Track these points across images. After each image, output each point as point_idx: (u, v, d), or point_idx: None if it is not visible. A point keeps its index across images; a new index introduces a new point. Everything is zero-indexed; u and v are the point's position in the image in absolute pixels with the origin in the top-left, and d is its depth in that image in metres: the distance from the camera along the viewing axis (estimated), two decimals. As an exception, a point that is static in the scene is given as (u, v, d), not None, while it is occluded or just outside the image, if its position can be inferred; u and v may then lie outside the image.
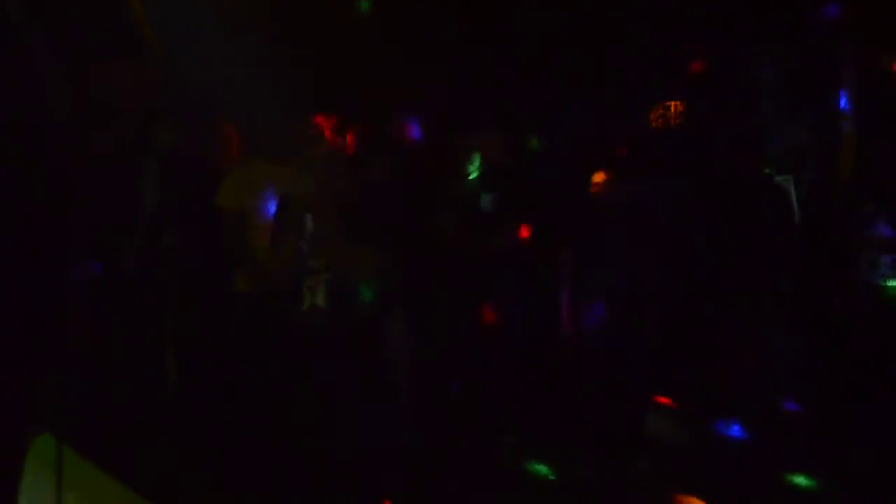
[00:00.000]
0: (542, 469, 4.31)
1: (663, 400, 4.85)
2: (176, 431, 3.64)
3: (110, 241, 4.13)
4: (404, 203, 4.54)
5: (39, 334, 3.38)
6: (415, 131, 5.23)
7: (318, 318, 4.57)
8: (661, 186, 4.83)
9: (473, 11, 5.54)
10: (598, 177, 4.33)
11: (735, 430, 4.61)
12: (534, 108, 5.45)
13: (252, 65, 4.79)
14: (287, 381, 4.19)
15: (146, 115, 4.06)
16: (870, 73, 5.23)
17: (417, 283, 4.50)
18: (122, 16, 1.54)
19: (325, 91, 5.19)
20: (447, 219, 4.61)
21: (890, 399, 4.25)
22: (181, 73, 4.31)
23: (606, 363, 4.22)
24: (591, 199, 4.41)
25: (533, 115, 5.41)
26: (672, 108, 5.86)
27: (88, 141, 1.70)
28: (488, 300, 4.55)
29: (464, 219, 4.64)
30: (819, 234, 4.91)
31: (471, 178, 4.76)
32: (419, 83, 5.20)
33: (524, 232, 4.57)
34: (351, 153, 5.08)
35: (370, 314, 4.46)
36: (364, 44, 5.30)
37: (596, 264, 4.31)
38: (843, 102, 5.25)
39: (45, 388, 3.49)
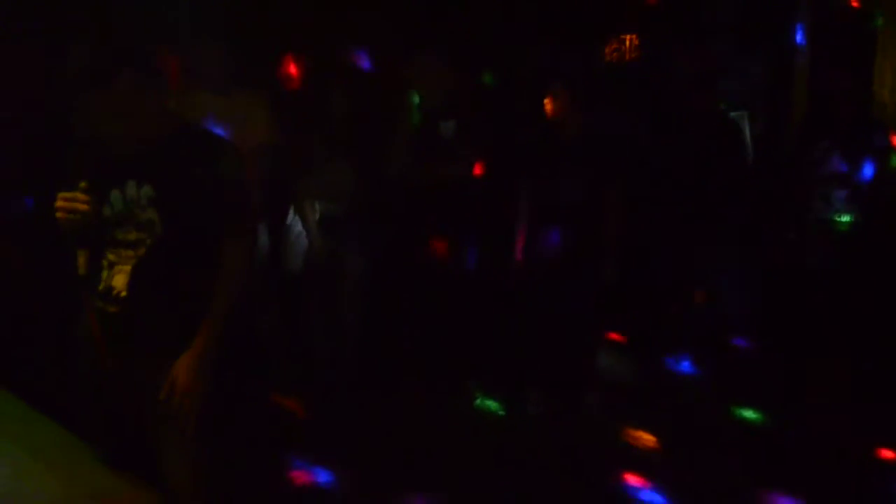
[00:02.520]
0: (491, 405, 4.30)
1: (613, 335, 4.85)
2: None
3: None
4: (357, 135, 4.42)
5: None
6: (364, 62, 5.09)
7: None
8: (614, 120, 4.77)
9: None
10: (552, 110, 4.24)
11: (685, 365, 4.63)
12: (487, 40, 5.31)
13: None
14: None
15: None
16: (825, 7, 5.17)
17: (370, 215, 4.41)
18: None
19: (270, 21, 5.01)
20: (400, 150, 4.50)
21: (837, 333, 4.29)
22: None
23: (556, 298, 4.18)
24: (544, 132, 4.33)
25: (486, 47, 5.28)
26: (627, 42, 5.78)
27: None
28: (441, 232, 4.46)
29: (418, 150, 4.53)
30: (773, 170, 4.89)
31: (423, 108, 4.65)
32: (369, 13, 5.05)
33: (478, 163, 4.47)
34: (299, 86, 4.93)
35: (325, 247, 4.38)
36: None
37: (547, 198, 4.25)
38: (798, 37, 5.20)
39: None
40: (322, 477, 3.44)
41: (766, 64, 5.44)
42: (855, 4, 5.02)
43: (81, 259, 2.25)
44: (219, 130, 3.92)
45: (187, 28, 4.29)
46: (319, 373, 4.42)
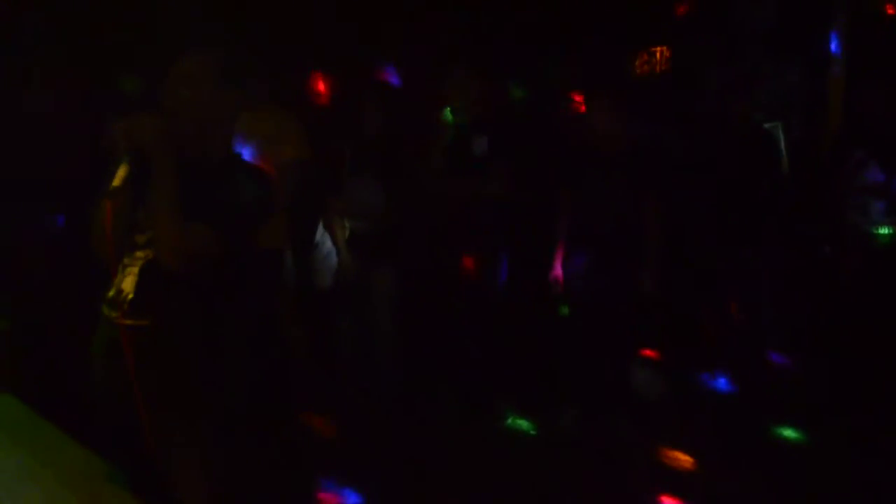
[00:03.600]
0: (523, 424, 4.25)
1: (647, 352, 4.77)
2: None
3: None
4: (387, 151, 4.41)
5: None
6: (395, 78, 5.10)
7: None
8: (647, 134, 4.71)
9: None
10: (584, 124, 4.21)
11: (721, 382, 4.55)
12: (517, 54, 5.30)
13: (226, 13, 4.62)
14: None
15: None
16: (861, 16, 5.09)
17: (400, 232, 4.39)
18: None
19: (301, 37, 5.04)
20: (433, 165, 4.47)
21: (878, 349, 4.18)
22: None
23: (591, 314, 4.13)
24: (577, 146, 4.29)
25: (517, 62, 5.27)
26: (658, 55, 5.72)
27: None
28: (474, 248, 4.42)
29: (451, 165, 4.50)
30: (809, 181, 4.80)
31: (456, 124, 4.63)
32: (401, 29, 5.07)
33: (512, 179, 4.43)
34: (329, 102, 4.96)
35: (353, 264, 4.37)
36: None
37: (580, 213, 4.20)
38: (833, 46, 5.12)
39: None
40: (351, 499, 3.41)
41: (800, 73, 5.35)
42: (891, 12, 4.94)
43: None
44: (249, 146, 3.96)
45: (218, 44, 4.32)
46: (349, 391, 4.40)
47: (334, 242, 4.51)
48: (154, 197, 2.16)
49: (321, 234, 4.61)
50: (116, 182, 2.10)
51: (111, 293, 2.27)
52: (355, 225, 4.47)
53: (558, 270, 4.23)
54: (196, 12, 4.29)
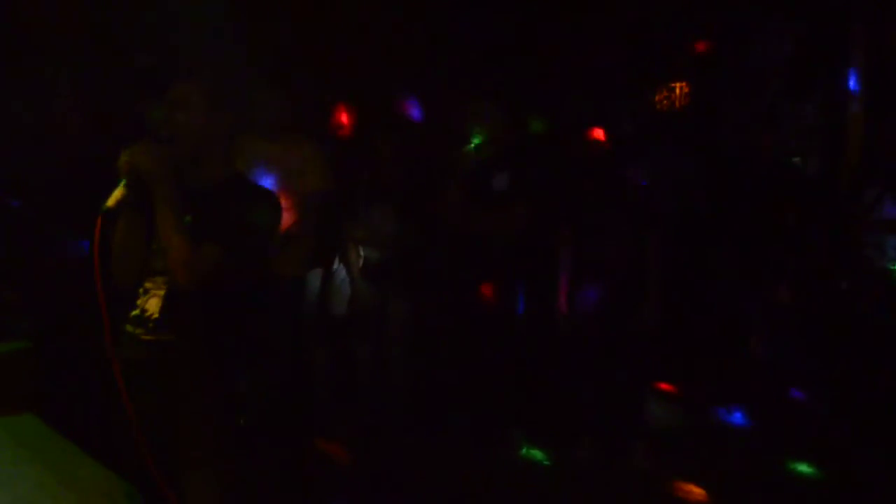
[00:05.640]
0: (537, 454, 4.24)
1: (664, 386, 4.76)
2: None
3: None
4: (408, 181, 4.46)
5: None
6: (415, 111, 5.16)
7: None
8: (664, 168, 4.74)
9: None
10: (601, 158, 4.25)
11: (737, 416, 4.52)
12: (536, 89, 5.36)
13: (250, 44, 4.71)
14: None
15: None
16: (879, 53, 5.10)
17: (414, 261, 4.43)
18: None
19: (322, 70, 5.13)
20: (454, 197, 4.50)
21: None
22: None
23: (606, 347, 4.14)
24: (593, 180, 4.32)
25: (536, 96, 5.32)
26: (677, 90, 5.76)
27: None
28: (489, 279, 4.45)
29: (471, 198, 4.54)
30: (827, 217, 4.80)
31: (474, 156, 4.67)
32: (420, 62, 5.14)
33: (528, 211, 4.45)
34: (349, 133, 5.02)
35: (367, 292, 4.42)
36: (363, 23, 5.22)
37: (598, 246, 4.22)
38: (851, 83, 5.13)
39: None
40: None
41: (818, 110, 5.36)
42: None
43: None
44: (273, 176, 4.03)
45: (243, 76, 4.41)
46: (364, 417, 4.43)
47: (349, 271, 4.56)
48: (160, 221, 2.25)
49: (336, 263, 4.67)
50: (110, 203, 2.20)
51: (135, 312, 2.35)
52: (370, 253, 4.52)
53: (563, 303, 4.25)
54: (219, 42, 4.39)
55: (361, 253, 4.55)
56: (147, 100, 4.22)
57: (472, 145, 4.46)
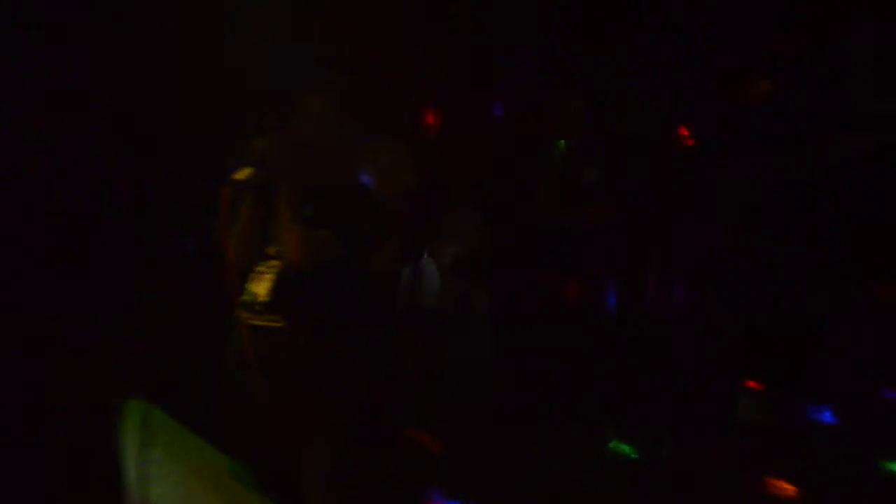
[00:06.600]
0: (625, 448, 4.27)
1: (751, 383, 4.74)
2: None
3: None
4: (492, 179, 4.54)
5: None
6: (501, 108, 5.23)
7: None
8: (757, 166, 4.71)
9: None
10: (690, 153, 4.25)
11: (826, 415, 4.48)
12: (626, 85, 5.36)
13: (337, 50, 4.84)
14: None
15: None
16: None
17: (502, 258, 4.50)
18: None
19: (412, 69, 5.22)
20: (542, 193, 4.55)
21: None
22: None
23: (696, 344, 4.15)
24: (683, 177, 4.33)
25: (625, 92, 5.33)
26: (760, 86, 5.69)
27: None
28: (579, 274, 4.49)
29: (563, 192, 4.59)
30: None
31: (563, 152, 4.71)
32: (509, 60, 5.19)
33: (617, 206, 4.48)
34: (437, 132, 5.11)
35: (455, 288, 4.50)
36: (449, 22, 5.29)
37: (689, 243, 4.23)
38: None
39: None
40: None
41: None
42: None
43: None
44: (368, 176, 4.15)
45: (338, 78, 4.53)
46: (456, 410, 4.51)
47: (437, 266, 4.66)
48: (280, 210, 2.38)
49: (426, 258, 4.77)
50: (240, 175, 2.33)
51: (245, 297, 2.48)
52: (456, 250, 4.61)
53: (653, 299, 4.27)
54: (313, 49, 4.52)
55: (449, 250, 4.64)
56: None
57: (562, 142, 4.49)
